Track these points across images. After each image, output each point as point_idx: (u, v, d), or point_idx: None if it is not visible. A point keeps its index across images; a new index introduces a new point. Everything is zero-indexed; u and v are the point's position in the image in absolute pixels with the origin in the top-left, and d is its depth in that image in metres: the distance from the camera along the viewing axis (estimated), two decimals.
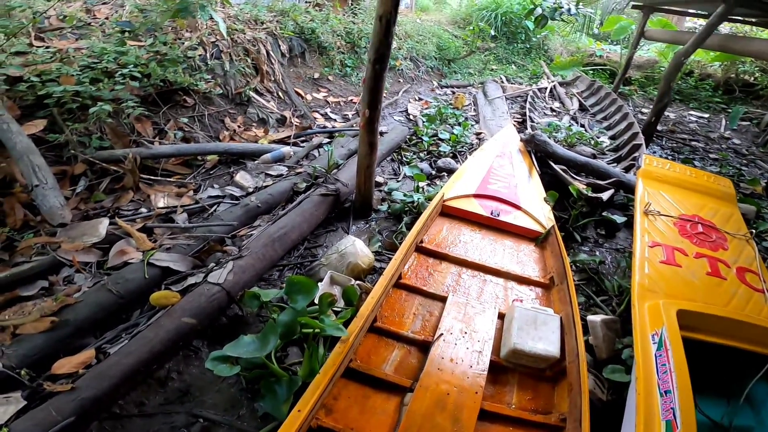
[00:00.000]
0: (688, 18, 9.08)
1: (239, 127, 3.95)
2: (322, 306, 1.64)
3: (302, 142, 4.11)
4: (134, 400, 1.65)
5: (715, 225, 2.50)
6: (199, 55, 3.84)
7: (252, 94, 4.22)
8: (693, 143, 5.73)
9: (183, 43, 3.77)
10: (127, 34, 3.57)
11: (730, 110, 7.03)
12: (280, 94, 4.58)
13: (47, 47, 3.22)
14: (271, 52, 4.63)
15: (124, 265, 2.17)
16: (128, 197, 2.80)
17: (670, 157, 5.15)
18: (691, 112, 7.35)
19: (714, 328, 1.82)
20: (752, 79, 8.34)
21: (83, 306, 1.85)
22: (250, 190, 3.11)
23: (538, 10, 6.05)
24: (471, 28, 8.86)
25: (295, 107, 4.61)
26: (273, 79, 4.57)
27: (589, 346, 2.10)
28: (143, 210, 2.72)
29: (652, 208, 2.50)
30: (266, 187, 3.09)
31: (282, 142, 3.99)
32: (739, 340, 1.80)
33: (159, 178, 3.05)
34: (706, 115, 7.23)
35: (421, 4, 13.41)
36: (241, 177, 3.22)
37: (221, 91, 3.96)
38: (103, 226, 2.38)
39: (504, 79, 7.76)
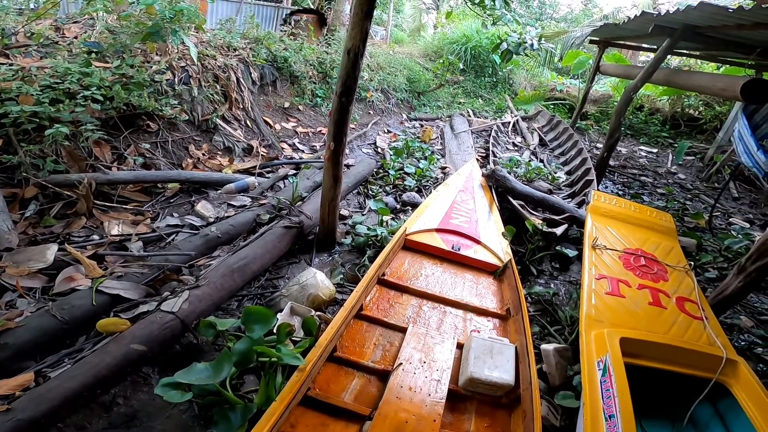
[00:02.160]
0: (641, 53, 9.95)
1: (204, 154, 4.01)
2: (280, 335, 1.71)
3: (268, 172, 4.20)
4: (75, 424, 1.64)
5: (657, 258, 2.75)
6: (167, 80, 3.90)
7: (219, 121, 4.31)
8: (642, 178, 6.21)
9: (151, 67, 3.84)
10: (94, 55, 3.61)
11: (676, 145, 7.65)
12: (248, 122, 4.69)
13: (10, 64, 3.22)
14: (241, 79, 4.77)
15: (71, 292, 2.18)
16: (80, 223, 2.79)
17: (621, 192, 5.56)
18: (641, 147, 7.95)
19: (656, 354, 2.00)
20: (696, 113, 9.04)
21: (24, 330, 1.85)
22: (211, 220, 3.16)
23: (504, 45, 6.55)
24: (441, 61, 9.40)
25: (262, 136, 4.73)
26: (242, 106, 4.69)
27: (543, 373, 2.25)
28: (95, 237, 2.71)
29: (600, 243, 2.74)
30: (228, 217, 3.15)
31: (247, 172, 4.07)
32: (680, 365, 1.98)
33: (115, 204, 3.06)
34: (655, 150, 7.85)
35: (396, 36, 14.15)
36: (203, 206, 3.26)
37: (187, 117, 4.03)
38: (51, 251, 2.38)
39: (471, 112, 8.22)
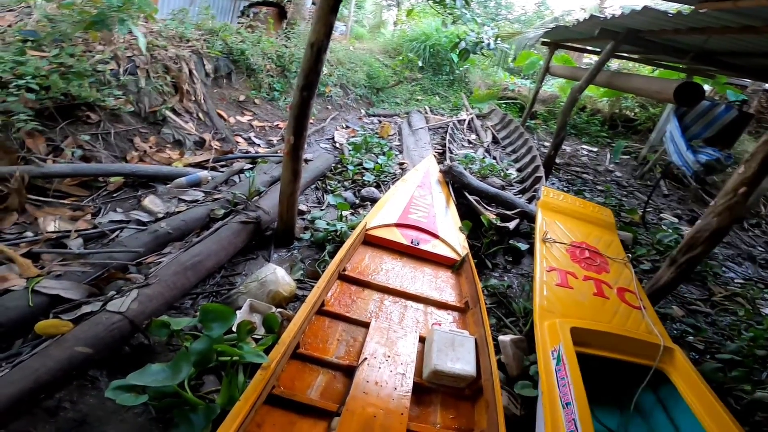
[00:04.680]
0: (585, 55, 10.51)
1: (151, 147, 3.79)
2: (241, 333, 1.66)
3: (222, 166, 4.04)
4: (19, 430, 1.54)
5: (599, 250, 2.93)
6: (111, 70, 3.67)
7: (168, 113, 4.08)
8: (584, 176, 6.61)
9: (93, 56, 3.58)
10: (30, 44, 3.32)
11: (614, 144, 8.17)
12: (200, 115, 4.48)
13: None
14: (194, 71, 4.55)
15: (5, 293, 2.01)
16: (12, 219, 2.56)
17: (565, 189, 5.87)
18: (584, 146, 8.44)
19: (602, 342, 2.10)
20: (632, 114, 9.71)
21: None
22: (160, 215, 3.00)
23: (462, 44, 6.69)
24: (401, 58, 9.47)
25: (216, 130, 4.54)
26: (194, 99, 4.47)
27: (501, 364, 2.33)
28: (29, 234, 2.49)
29: (549, 237, 2.89)
30: (179, 212, 2.99)
31: (199, 166, 3.90)
32: (624, 353, 2.09)
33: (50, 199, 2.82)
34: (596, 149, 8.36)
35: (357, 31, 14.06)
36: (150, 201, 3.08)
37: (133, 109, 3.79)
38: None
39: (428, 109, 8.35)
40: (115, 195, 3.16)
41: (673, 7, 3.58)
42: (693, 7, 3.14)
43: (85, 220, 2.75)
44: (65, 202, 2.87)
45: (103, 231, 2.69)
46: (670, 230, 4.56)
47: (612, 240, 3.13)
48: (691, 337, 3.06)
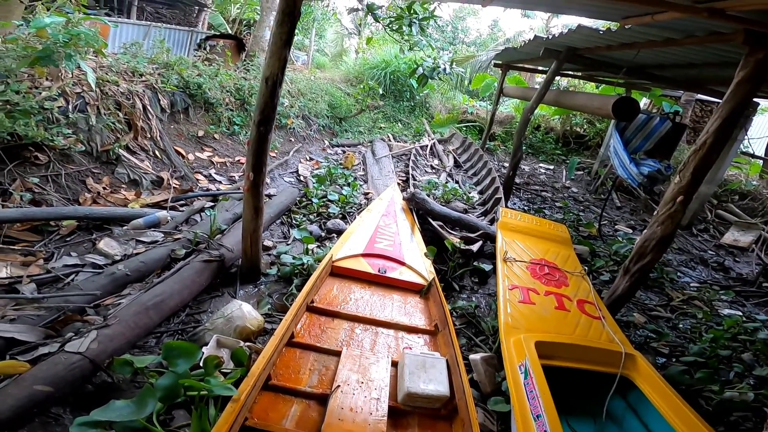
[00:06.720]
0: (537, 75, 11.19)
1: (105, 188, 3.78)
2: (208, 368, 1.71)
3: (182, 205, 4.06)
4: None
5: (557, 265, 3.14)
6: (59, 107, 3.66)
7: (122, 152, 4.09)
8: (543, 194, 6.97)
9: (40, 93, 3.57)
10: None
11: (568, 161, 8.66)
12: (157, 152, 4.51)
13: None
14: (148, 107, 4.59)
15: None
16: None
17: (526, 208, 6.18)
18: (541, 165, 8.92)
19: (566, 354, 2.23)
20: (582, 131, 10.34)
21: None
22: (118, 257, 3.00)
23: (420, 70, 7.05)
24: (362, 86, 9.81)
25: (174, 167, 4.56)
26: (149, 136, 4.50)
27: (474, 382, 2.45)
28: None
29: (510, 255, 3.08)
30: (137, 254, 3.01)
31: (157, 206, 3.90)
32: (588, 363, 2.22)
33: (0, 245, 2.77)
34: (552, 167, 8.85)
35: (318, 61, 14.42)
36: (106, 244, 3.08)
37: (84, 148, 3.79)
38: None
39: (391, 137, 8.64)
40: (68, 239, 3.13)
41: (603, 24, 3.95)
42: (619, 23, 3.44)
43: (38, 265, 2.73)
44: (15, 247, 2.83)
45: (57, 275, 2.67)
46: (625, 241, 4.88)
47: (569, 254, 3.35)
48: (654, 343, 3.23)
